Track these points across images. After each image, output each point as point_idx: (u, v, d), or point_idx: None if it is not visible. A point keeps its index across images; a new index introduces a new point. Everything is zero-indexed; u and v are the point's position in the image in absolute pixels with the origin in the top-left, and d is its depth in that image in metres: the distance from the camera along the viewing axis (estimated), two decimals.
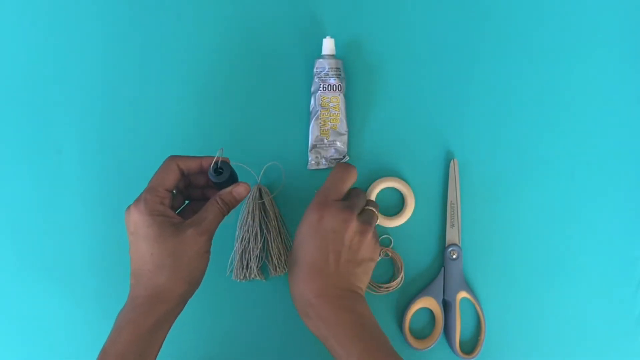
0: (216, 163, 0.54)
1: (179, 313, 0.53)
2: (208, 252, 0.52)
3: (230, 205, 0.54)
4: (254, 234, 0.63)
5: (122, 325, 0.50)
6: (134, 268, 0.51)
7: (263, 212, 0.64)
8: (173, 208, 0.54)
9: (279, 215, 0.64)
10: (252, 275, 0.64)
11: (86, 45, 0.66)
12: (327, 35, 0.64)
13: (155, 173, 0.53)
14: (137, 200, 0.51)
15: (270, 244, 0.64)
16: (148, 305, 0.50)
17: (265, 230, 0.63)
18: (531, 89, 0.67)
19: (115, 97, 0.66)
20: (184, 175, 0.54)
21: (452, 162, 0.66)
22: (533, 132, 0.67)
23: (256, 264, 0.63)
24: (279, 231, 0.64)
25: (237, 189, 0.54)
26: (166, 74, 0.66)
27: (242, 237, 0.64)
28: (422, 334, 0.67)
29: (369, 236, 0.54)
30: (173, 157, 0.54)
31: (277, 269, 0.64)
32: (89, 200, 0.66)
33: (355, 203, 0.55)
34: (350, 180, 0.56)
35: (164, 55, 0.66)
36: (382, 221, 0.65)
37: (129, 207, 0.51)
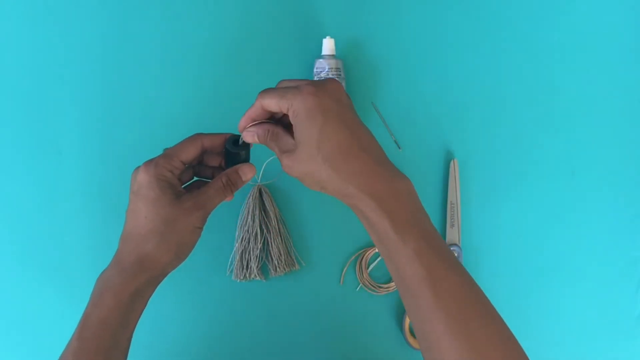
0: (237, 136, 0.54)
1: (158, 283, 0.52)
2: (200, 228, 0.51)
3: (234, 185, 0.53)
4: (254, 234, 0.63)
5: (105, 290, 0.49)
6: (125, 230, 0.51)
7: (263, 213, 0.64)
8: (181, 182, 0.54)
9: (279, 215, 0.64)
10: (252, 276, 0.64)
11: (86, 45, 0.66)
12: (327, 35, 0.64)
13: (177, 143, 0.53)
14: (148, 162, 0.51)
15: (270, 244, 0.64)
16: (131, 270, 0.49)
17: (265, 231, 0.63)
18: (531, 89, 0.67)
19: (116, 97, 0.66)
20: (203, 153, 0.54)
21: (452, 162, 0.66)
22: (533, 132, 0.67)
23: (256, 264, 0.63)
24: (279, 231, 0.64)
25: (243, 168, 0.53)
26: (166, 74, 0.66)
27: (242, 237, 0.64)
28: None
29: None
30: (199, 134, 0.54)
31: (277, 269, 0.64)
32: (89, 200, 0.66)
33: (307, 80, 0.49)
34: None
35: (164, 55, 0.66)
36: None
37: (137, 167, 0.51)
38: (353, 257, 0.66)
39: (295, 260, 0.65)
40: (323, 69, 0.64)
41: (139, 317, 0.52)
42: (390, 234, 0.43)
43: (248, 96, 0.67)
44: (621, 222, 0.67)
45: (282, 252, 0.64)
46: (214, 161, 0.57)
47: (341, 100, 0.46)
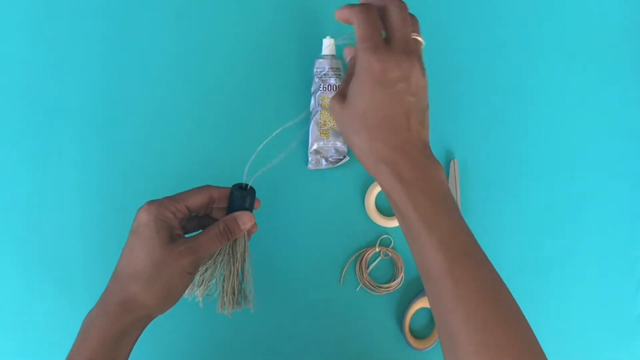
0: (244, 184, 0.54)
1: (146, 325, 0.51)
2: (191, 274, 0.50)
3: (231, 233, 0.52)
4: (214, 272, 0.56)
5: (89, 330, 0.48)
6: (117, 267, 0.50)
7: (230, 251, 0.55)
8: (184, 229, 0.53)
9: (247, 255, 0.56)
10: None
11: (87, 46, 0.66)
12: (327, 35, 0.64)
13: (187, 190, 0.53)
14: (152, 201, 0.50)
15: (224, 284, 0.56)
16: (114, 312, 0.48)
17: (224, 272, 0.56)
18: (531, 89, 0.67)
19: (116, 98, 0.66)
20: (210, 204, 0.54)
21: (452, 162, 0.66)
22: (533, 132, 0.67)
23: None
24: (238, 274, 0.56)
25: (242, 217, 0.52)
26: (166, 74, 0.66)
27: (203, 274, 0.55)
28: (422, 334, 0.67)
29: (425, 77, 0.47)
30: (209, 185, 0.54)
31: (226, 307, 0.56)
32: (89, 201, 0.66)
33: (407, 38, 0.45)
34: (375, 14, 0.44)
35: (164, 56, 0.66)
36: (382, 221, 0.65)
37: (141, 206, 0.51)
38: (353, 257, 0.66)
39: (248, 298, 0.57)
40: (323, 69, 0.64)
41: (128, 355, 0.50)
42: (415, 221, 0.42)
43: (247, 95, 0.67)
44: (621, 222, 0.67)
45: (235, 292, 0.56)
46: (221, 214, 0.56)
47: (412, 77, 0.44)
